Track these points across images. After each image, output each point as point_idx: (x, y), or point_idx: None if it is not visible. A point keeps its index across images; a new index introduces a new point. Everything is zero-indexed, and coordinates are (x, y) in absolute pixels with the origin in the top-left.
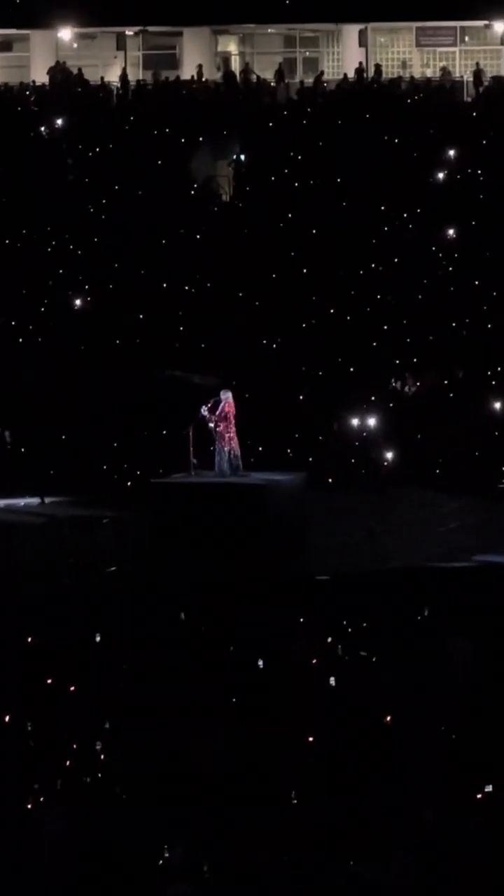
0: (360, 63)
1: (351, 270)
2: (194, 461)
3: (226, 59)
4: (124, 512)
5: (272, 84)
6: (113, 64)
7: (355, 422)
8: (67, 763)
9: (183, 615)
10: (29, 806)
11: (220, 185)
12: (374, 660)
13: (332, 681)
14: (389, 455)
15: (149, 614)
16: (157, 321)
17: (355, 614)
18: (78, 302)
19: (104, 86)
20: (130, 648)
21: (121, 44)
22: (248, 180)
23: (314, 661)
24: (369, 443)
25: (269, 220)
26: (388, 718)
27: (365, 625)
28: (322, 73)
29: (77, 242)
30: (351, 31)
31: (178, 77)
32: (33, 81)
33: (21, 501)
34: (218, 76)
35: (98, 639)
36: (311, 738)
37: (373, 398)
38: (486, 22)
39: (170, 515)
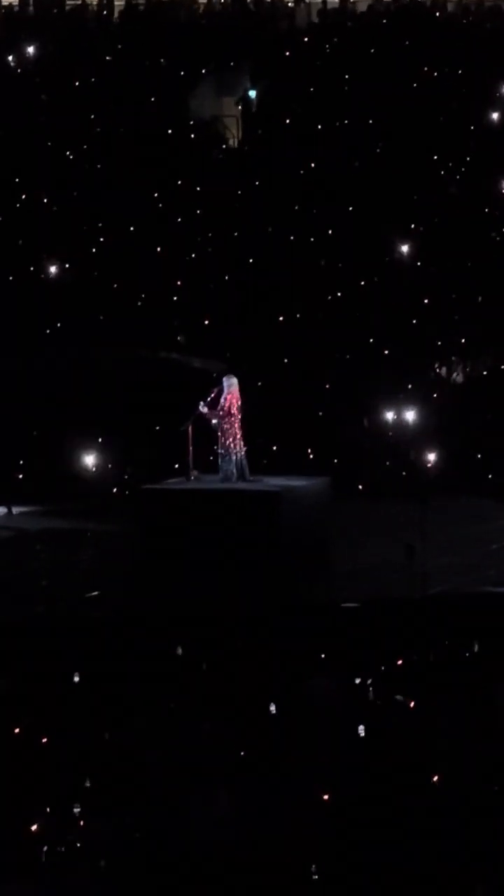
0: None
1: (385, 231)
2: (194, 473)
3: None
4: (108, 525)
5: (289, 4)
6: None
7: (390, 416)
8: (38, 832)
9: (179, 650)
10: None
11: (227, 128)
12: (412, 705)
13: (361, 730)
14: (432, 457)
15: (138, 649)
16: (148, 292)
17: (389, 650)
18: (53, 269)
19: (85, 6)
20: (115, 691)
21: None
22: (260, 122)
23: (338, 706)
24: (407, 442)
25: (285, 171)
26: (430, 776)
27: (401, 663)
28: None
29: (52, 197)
30: None
31: None
32: None
33: None
34: None
35: (76, 679)
36: (333, 801)
37: (412, 387)
38: None
39: (164, 529)
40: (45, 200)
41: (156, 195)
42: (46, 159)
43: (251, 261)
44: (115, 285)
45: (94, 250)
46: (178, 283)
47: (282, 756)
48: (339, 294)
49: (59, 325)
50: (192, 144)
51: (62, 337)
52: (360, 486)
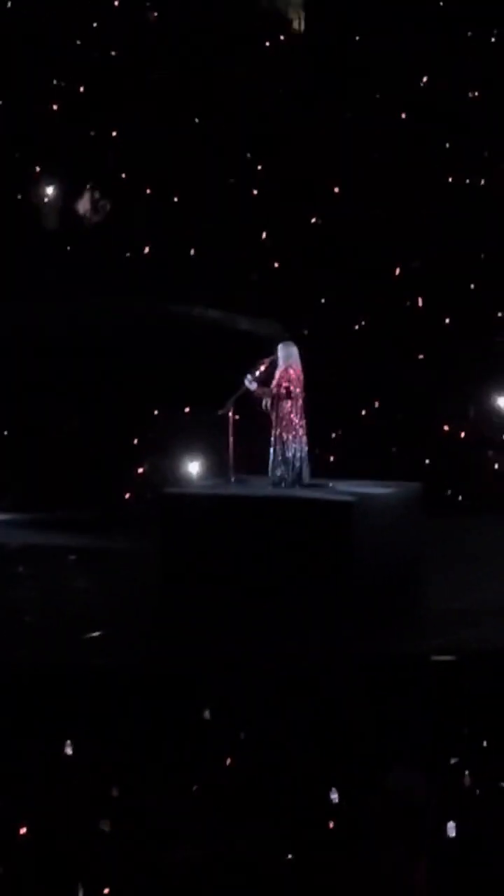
0: None
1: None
2: (236, 474)
3: None
4: (117, 541)
5: None
6: None
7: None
8: None
9: (208, 714)
10: None
11: (290, 5)
12: None
13: (452, 828)
14: None
15: (153, 711)
16: (179, 231)
17: (494, 719)
18: (49, 193)
19: None
20: (122, 768)
21: None
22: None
23: (423, 795)
24: None
25: (367, 69)
26: None
27: None
28: None
29: (51, 96)
30: None
31: None
32: None
33: None
34: None
35: (69, 750)
36: None
37: None
38: None
39: (192, 549)
40: (56, 108)
41: (189, 101)
42: (41, 43)
43: (315, 190)
44: (137, 221)
45: (104, 173)
46: (216, 219)
47: (345, 863)
48: (447, 239)
49: (54, 271)
50: (239, 31)
51: (58, 284)
52: (460, 497)
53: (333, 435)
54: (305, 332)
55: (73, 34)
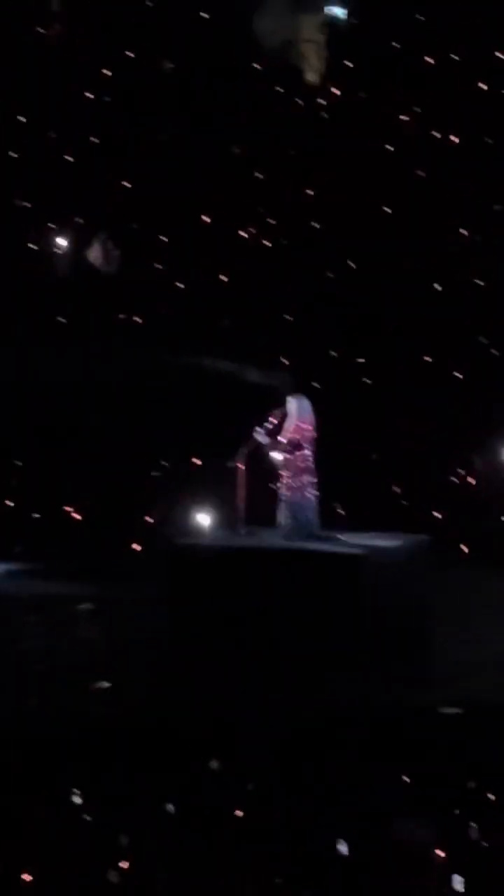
0: None
1: None
2: (245, 526)
3: None
4: (125, 592)
5: None
6: None
7: None
8: None
9: (215, 764)
10: None
11: (305, 56)
12: None
13: (459, 882)
14: None
15: (160, 761)
16: (183, 274)
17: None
18: (61, 242)
19: None
20: (129, 818)
21: None
22: (352, 48)
23: (431, 849)
24: None
25: (385, 117)
26: None
27: None
28: None
29: (67, 148)
30: None
31: None
32: None
33: None
34: None
35: (77, 800)
36: None
37: None
38: None
39: (200, 600)
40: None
41: (202, 152)
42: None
43: (331, 240)
44: (138, 264)
45: (103, 216)
46: (225, 265)
47: None
48: (455, 288)
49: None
50: (254, 78)
51: (69, 333)
52: (468, 549)
53: (343, 488)
54: (316, 384)
55: (82, 81)
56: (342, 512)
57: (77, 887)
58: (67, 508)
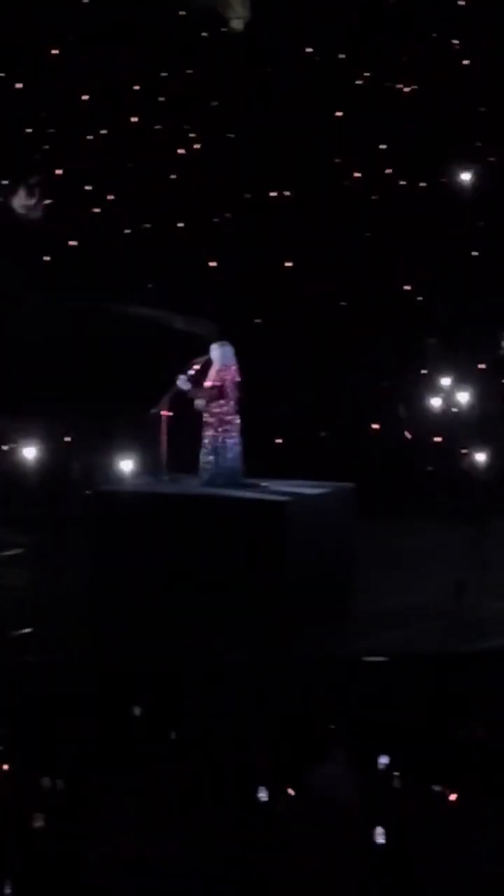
0: None
1: (443, 150)
2: (168, 473)
3: None
4: (45, 539)
5: None
6: None
7: (437, 402)
8: None
9: (138, 711)
10: None
11: (230, 5)
12: (453, 798)
13: (380, 835)
14: (494, 462)
15: (82, 707)
16: (116, 228)
17: (426, 720)
18: None
19: None
20: (51, 766)
21: None
22: None
23: (351, 796)
24: (460, 440)
25: (314, 65)
26: None
27: (441, 738)
28: None
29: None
30: None
31: None
32: None
33: None
34: None
35: None
36: None
37: (470, 365)
38: None
39: (121, 548)
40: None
41: (133, 98)
42: None
43: (250, 190)
44: (73, 214)
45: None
46: (154, 214)
47: (269, 874)
48: (375, 226)
49: None
50: (181, 28)
51: None
52: (394, 498)
53: (268, 434)
54: (240, 331)
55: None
56: (266, 459)
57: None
58: None
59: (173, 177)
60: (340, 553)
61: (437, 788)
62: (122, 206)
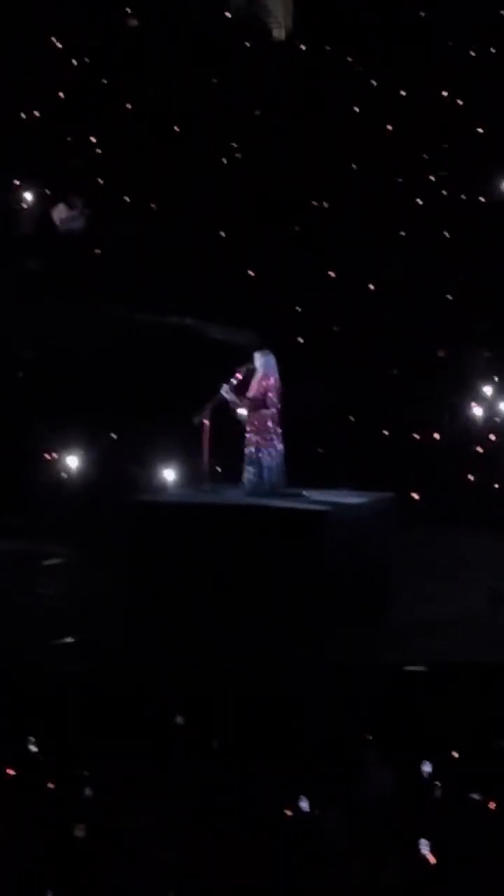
0: None
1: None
2: (210, 483)
3: None
4: (87, 549)
5: None
6: None
7: (479, 412)
8: None
9: (180, 720)
10: None
11: (271, 13)
12: (493, 807)
13: (425, 847)
14: None
15: (123, 716)
16: (159, 240)
17: (465, 729)
18: (27, 198)
19: None
20: (88, 771)
21: None
22: (320, 4)
23: (394, 807)
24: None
25: (354, 75)
26: None
27: (483, 749)
28: None
29: (32, 103)
30: None
31: None
32: None
33: None
34: None
35: (34, 749)
36: None
37: None
38: None
39: (164, 557)
40: (36, 114)
41: (168, 106)
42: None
43: (299, 199)
44: (108, 226)
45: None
46: (194, 224)
47: (316, 868)
48: (422, 243)
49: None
50: (218, 36)
51: (26, 289)
52: (434, 508)
53: (309, 444)
54: (283, 341)
55: (54, 41)
56: (307, 468)
57: (39, 844)
58: (31, 466)
59: (215, 189)
60: (379, 562)
61: (475, 797)
62: (164, 216)
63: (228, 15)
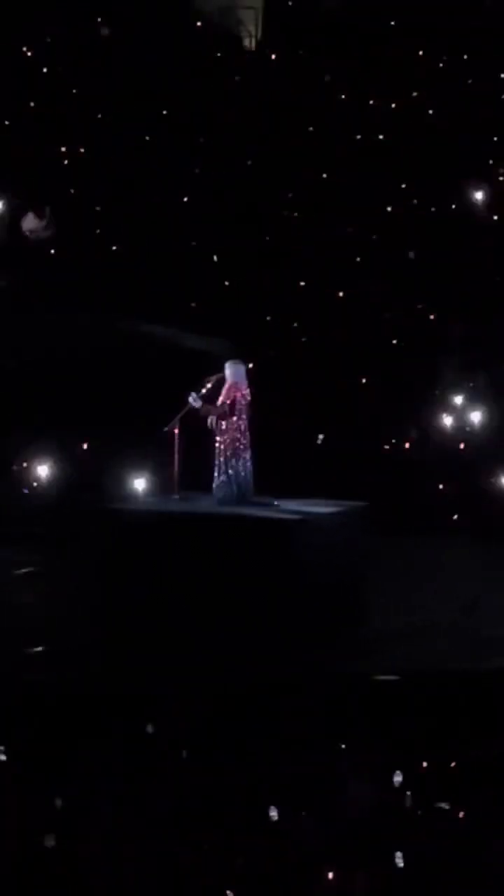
0: None
1: (453, 172)
2: (179, 491)
3: None
4: (57, 557)
5: None
6: None
7: (449, 422)
8: None
9: (150, 728)
10: None
11: (242, 22)
12: (460, 814)
13: (398, 858)
14: None
15: (94, 726)
16: (129, 247)
17: (437, 740)
18: None
19: None
20: (60, 782)
21: None
22: (290, 14)
23: (364, 816)
24: (472, 458)
25: (321, 81)
26: None
27: (454, 758)
28: None
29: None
30: None
31: None
32: None
33: None
34: None
35: (2, 758)
36: None
37: (484, 382)
38: None
39: (133, 566)
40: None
41: (145, 113)
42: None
43: (266, 203)
44: (85, 237)
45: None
46: (167, 233)
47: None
48: (393, 254)
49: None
50: (194, 45)
51: (4, 299)
52: (406, 516)
53: (280, 453)
54: (253, 350)
55: (24, 50)
56: (277, 477)
57: (15, 853)
58: (8, 475)
59: (185, 199)
60: (351, 571)
61: (444, 806)
62: (134, 224)
63: (199, 24)
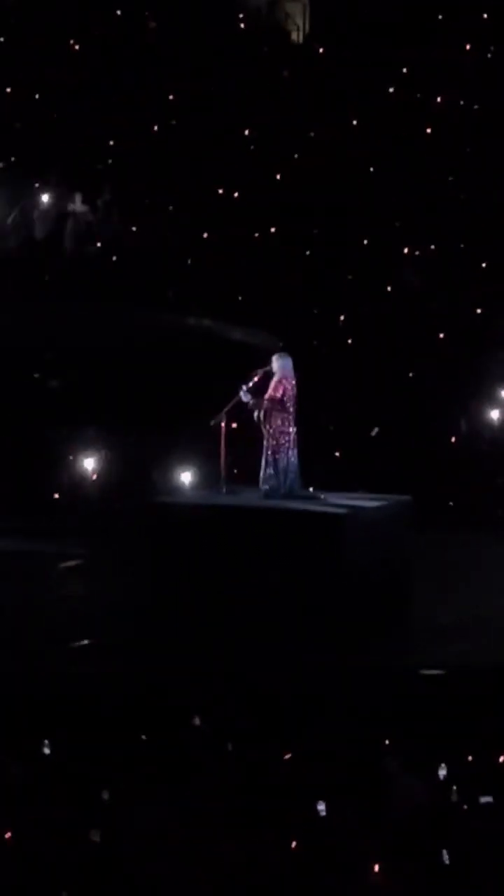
0: None
1: None
2: (227, 484)
3: None
4: (104, 551)
5: None
6: None
7: (497, 415)
8: None
9: (198, 721)
10: None
11: (289, 17)
12: None
13: (445, 856)
14: None
15: (140, 721)
16: (175, 238)
17: (483, 734)
18: (44, 199)
19: None
20: (108, 774)
21: None
22: (337, 7)
23: (410, 811)
24: None
25: (368, 74)
26: None
27: (500, 753)
28: None
29: (56, 111)
30: None
31: None
32: None
33: None
34: None
35: (47, 752)
36: None
37: None
38: None
39: (181, 559)
40: (55, 116)
41: (187, 107)
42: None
43: (321, 203)
44: (130, 227)
45: (101, 181)
46: (213, 226)
47: (330, 882)
48: (439, 249)
49: (45, 277)
50: (239, 39)
51: (45, 291)
52: (453, 511)
53: (325, 447)
54: (300, 344)
55: (72, 42)
56: (325, 471)
57: (57, 847)
58: (47, 467)
59: (235, 194)
60: (398, 565)
61: (489, 800)
62: (183, 217)
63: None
